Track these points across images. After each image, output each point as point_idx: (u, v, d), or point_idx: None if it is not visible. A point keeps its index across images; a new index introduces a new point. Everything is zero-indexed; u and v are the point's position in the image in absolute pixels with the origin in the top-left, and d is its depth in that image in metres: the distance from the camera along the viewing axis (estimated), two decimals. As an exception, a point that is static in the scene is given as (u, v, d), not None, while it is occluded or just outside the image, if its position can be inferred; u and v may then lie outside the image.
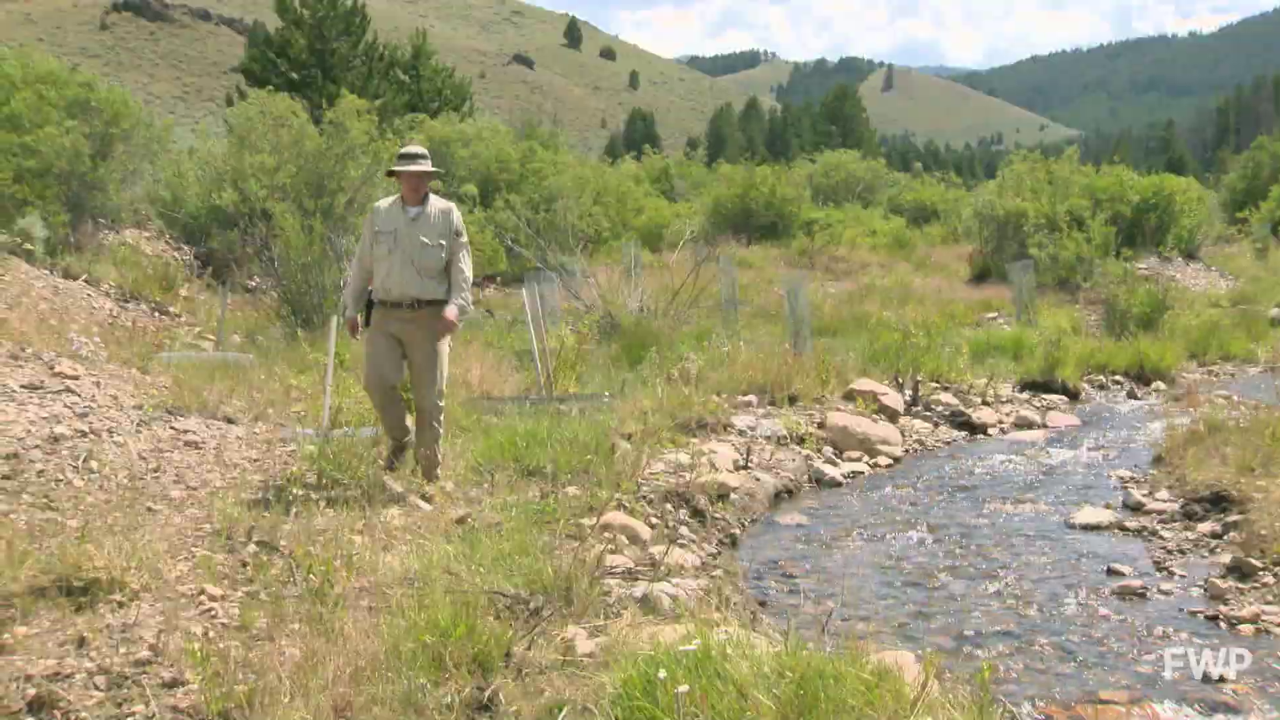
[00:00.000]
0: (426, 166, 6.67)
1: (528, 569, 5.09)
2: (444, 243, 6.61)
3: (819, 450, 9.78)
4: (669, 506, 7.33)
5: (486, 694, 3.92)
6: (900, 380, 12.08)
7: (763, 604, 6.08)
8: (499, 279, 23.76)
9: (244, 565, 5.14)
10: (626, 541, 6.36)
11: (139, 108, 17.76)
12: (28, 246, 13.18)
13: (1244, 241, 29.33)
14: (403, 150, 6.76)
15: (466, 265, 6.74)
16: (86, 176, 15.61)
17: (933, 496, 8.63)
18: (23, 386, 6.82)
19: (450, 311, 6.61)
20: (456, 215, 6.73)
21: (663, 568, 5.89)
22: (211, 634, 4.31)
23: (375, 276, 6.59)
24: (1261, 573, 6.23)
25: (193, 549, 5.23)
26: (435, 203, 6.71)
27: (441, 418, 6.82)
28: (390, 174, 6.84)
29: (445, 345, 6.74)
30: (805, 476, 9.17)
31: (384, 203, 6.78)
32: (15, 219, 13.86)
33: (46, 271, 12.49)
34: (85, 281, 12.87)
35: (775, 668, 3.73)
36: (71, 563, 4.61)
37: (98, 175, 15.82)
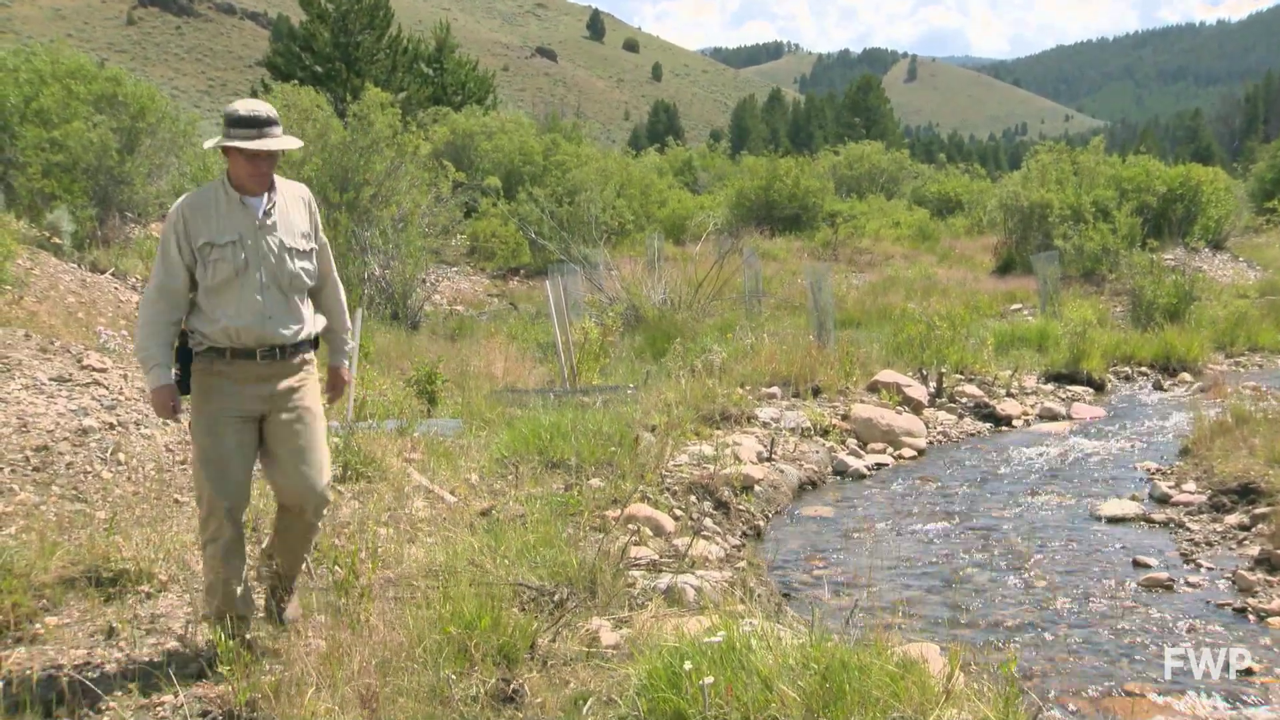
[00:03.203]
0: (282, 138, 4.21)
1: (552, 561, 5.10)
2: (313, 248, 4.41)
3: (843, 442, 9.76)
4: (693, 498, 7.33)
5: (512, 686, 3.94)
6: (924, 372, 12.03)
7: (787, 596, 6.07)
8: (522, 271, 23.80)
9: (270, 557, 5.17)
10: (650, 533, 6.36)
11: (165, 102, 17.84)
12: (56, 240, 13.28)
13: (1272, 232, 29.05)
14: (239, 110, 4.14)
15: (338, 281, 4.70)
16: (113, 171, 15.70)
17: (957, 488, 8.60)
18: (51, 379, 6.88)
19: (343, 367, 4.68)
20: (315, 203, 4.56)
21: (687, 559, 5.89)
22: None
23: (203, 317, 4.18)
24: (1290, 565, 6.19)
25: (220, 540, 5.26)
26: (286, 188, 4.37)
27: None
28: (225, 149, 4.16)
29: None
30: (829, 468, 9.16)
31: (196, 198, 4.23)
32: (44, 213, 13.97)
33: (74, 265, 12.58)
34: (112, 275, 12.96)
35: (800, 659, 3.73)
36: (100, 554, 4.65)
37: (124, 169, 15.91)
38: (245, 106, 4.17)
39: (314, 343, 4.45)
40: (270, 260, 4.22)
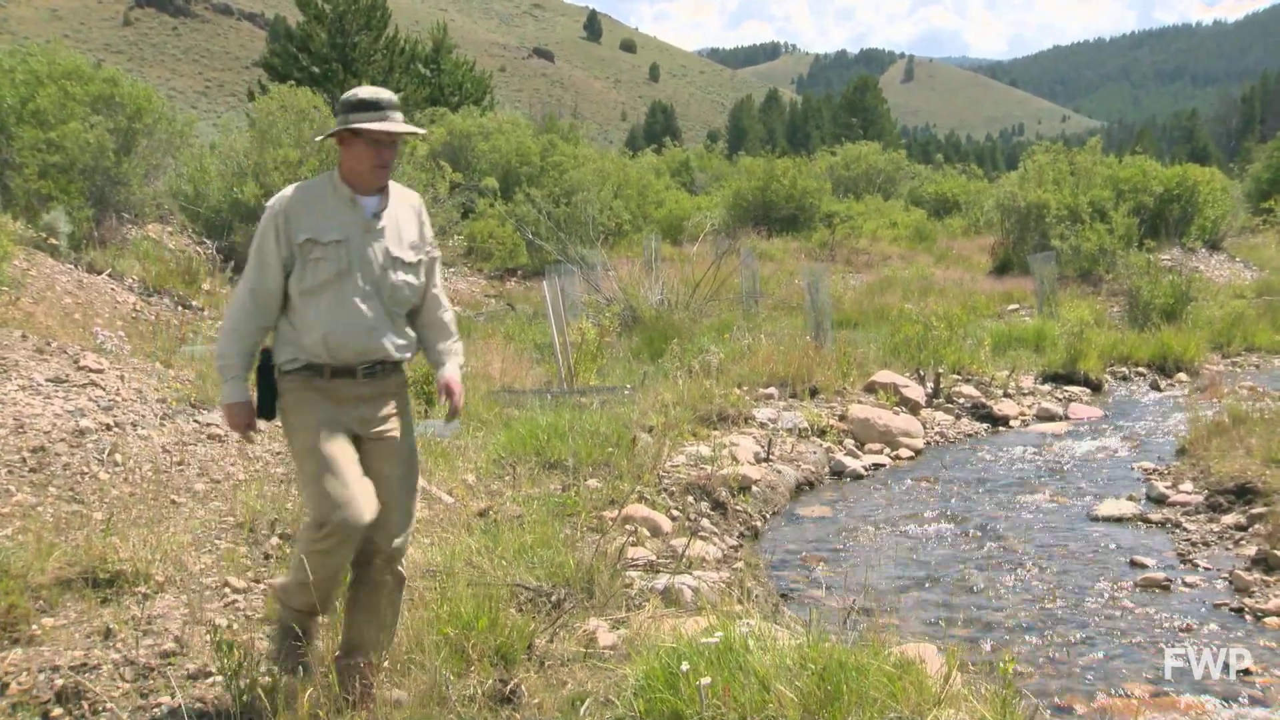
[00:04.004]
0: (403, 123, 3.87)
1: (549, 561, 5.10)
2: (421, 260, 3.98)
3: (840, 442, 9.77)
4: (690, 499, 7.33)
5: (509, 686, 3.94)
6: (922, 372, 12.04)
7: (784, 596, 6.08)
8: (520, 272, 23.80)
9: (267, 558, 5.17)
10: (648, 534, 6.37)
11: (162, 103, 17.83)
12: (53, 241, 13.27)
13: (1269, 232, 29.07)
14: (360, 94, 3.82)
15: (444, 300, 4.20)
16: (110, 172, 15.69)
17: (954, 489, 8.61)
18: (48, 380, 6.87)
19: (455, 378, 4.07)
20: (426, 212, 4.14)
21: (684, 560, 5.89)
22: (235, 626, 4.34)
23: (298, 325, 3.79)
24: (1287, 565, 6.20)
25: (216, 541, 5.27)
26: (398, 194, 4.00)
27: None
28: (339, 135, 3.81)
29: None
30: (826, 469, 9.16)
31: (301, 190, 3.88)
32: (40, 214, 13.95)
33: (71, 266, 12.57)
34: (109, 276, 12.95)
35: (797, 660, 3.73)
36: (97, 555, 4.65)
37: (121, 170, 15.90)
38: (366, 90, 3.85)
39: (400, 365, 4.01)
40: (374, 268, 3.82)
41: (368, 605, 3.93)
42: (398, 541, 3.90)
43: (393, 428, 3.92)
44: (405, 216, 3.97)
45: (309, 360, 3.77)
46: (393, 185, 3.97)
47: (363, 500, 3.67)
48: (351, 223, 3.82)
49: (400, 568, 3.97)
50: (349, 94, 3.83)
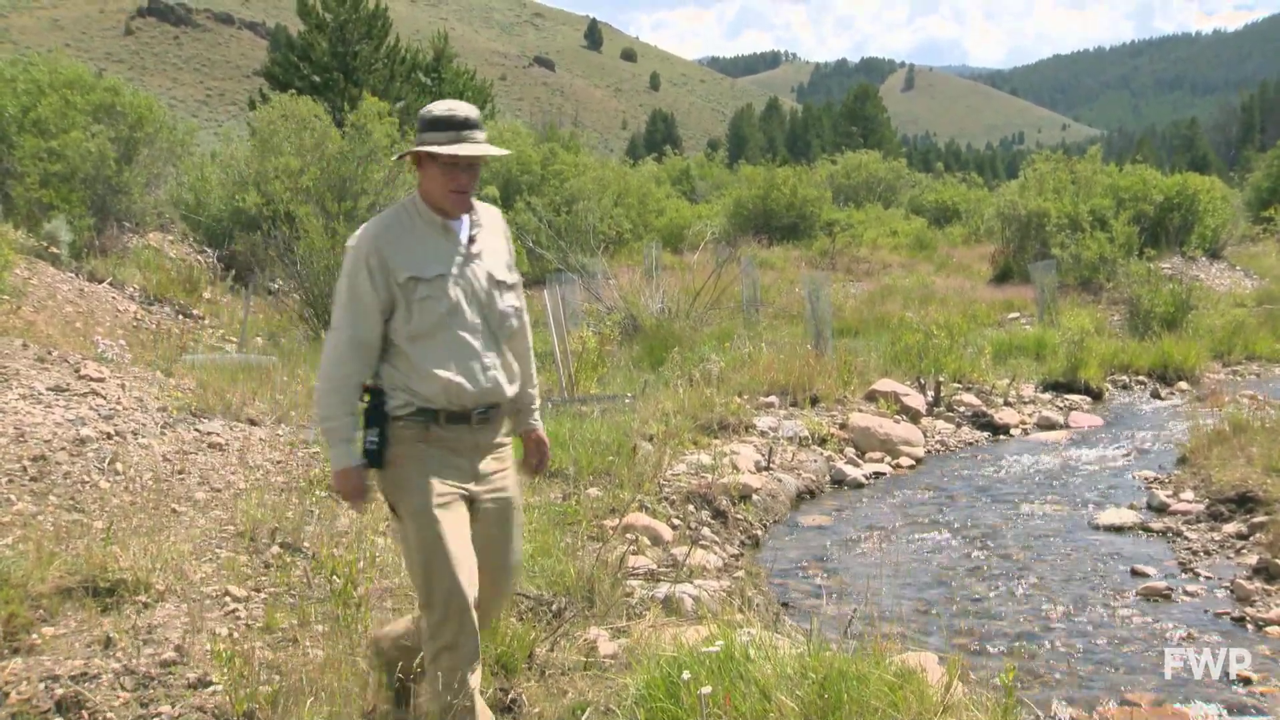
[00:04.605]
0: (484, 144, 3.45)
1: (550, 570, 5.10)
2: (518, 281, 3.70)
3: (841, 451, 9.76)
4: (691, 507, 7.33)
5: (510, 695, 3.93)
6: (922, 381, 12.04)
7: (785, 605, 6.07)
8: (521, 281, 23.80)
9: (267, 567, 5.17)
10: (648, 543, 6.36)
11: (163, 112, 17.90)
12: (54, 250, 13.30)
13: (1269, 240, 29.09)
14: (435, 110, 3.44)
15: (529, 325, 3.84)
16: (111, 180, 15.74)
17: (955, 497, 8.60)
18: (49, 389, 6.87)
19: (540, 428, 3.86)
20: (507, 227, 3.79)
21: (685, 569, 5.89)
22: (236, 635, 4.33)
23: (412, 371, 3.41)
24: (1288, 574, 6.19)
25: (217, 550, 5.26)
26: (482, 210, 3.62)
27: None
28: (416, 155, 3.44)
29: None
30: (827, 477, 9.16)
31: (386, 223, 3.48)
32: (42, 223, 13.99)
33: (72, 275, 12.59)
34: (110, 284, 12.96)
35: (798, 669, 3.73)
36: (98, 564, 4.65)
37: (122, 179, 15.94)
38: (441, 106, 3.45)
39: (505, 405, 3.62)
40: (480, 297, 3.47)
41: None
42: (497, 606, 3.65)
43: (507, 484, 3.60)
44: (494, 234, 3.63)
45: (422, 405, 3.40)
46: (474, 202, 3.58)
47: (469, 580, 3.36)
48: (448, 251, 3.45)
49: (496, 616, 3.75)
50: (424, 110, 3.44)
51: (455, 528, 3.36)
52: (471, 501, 3.47)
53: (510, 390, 3.54)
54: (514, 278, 3.63)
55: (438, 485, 3.37)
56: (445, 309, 3.39)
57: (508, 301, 3.57)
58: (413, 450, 3.40)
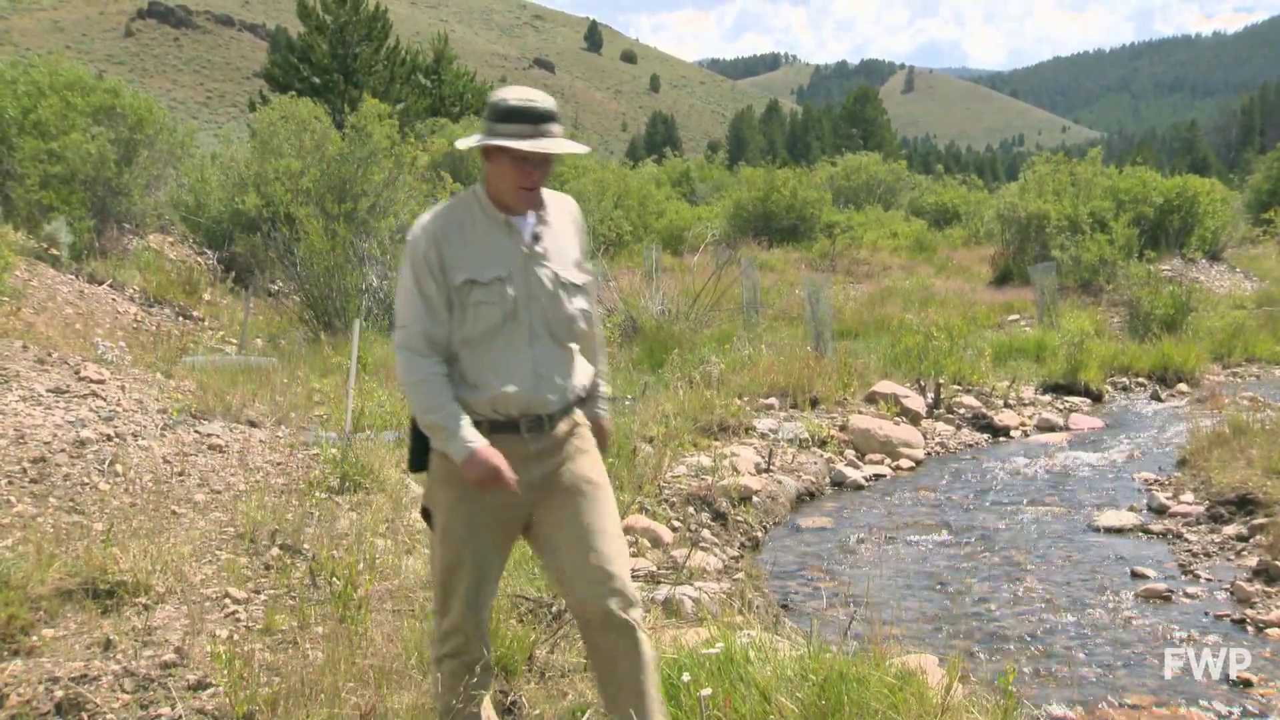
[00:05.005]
0: (563, 140, 3.18)
1: (550, 572, 5.09)
2: (590, 280, 3.43)
3: (841, 453, 9.76)
4: (691, 509, 7.33)
5: (509, 697, 3.93)
6: (922, 383, 12.04)
7: (785, 607, 6.07)
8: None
9: (267, 568, 5.17)
10: (649, 544, 6.36)
11: (163, 113, 17.90)
12: (54, 252, 13.30)
13: (1269, 243, 29.10)
14: (509, 99, 3.12)
15: (599, 319, 3.65)
16: (111, 182, 15.73)
17: (955, 499, 8.60)
18: (49, 391, 6.87)
19: (609, 422, 3.66)
20: (582, 219, 3.51)
21: (685, 571, 5.89)
22: (236, 637, 4.33)
23: (461, 380, 3.21)
24: (1288, 576, 6.19)
25: (217, 552, 5.26)
26: (553, 202, 3.37)
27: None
28: (487, 151, 3.16)
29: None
30: (827, 479, 9.16)
31: (444, 217, 3.23)
32: (42, 224, 13.99)
33: (72, 276, 12.59)
34: (110, 286, 12.96)
35: (798, 671, 3.73)
36: (97, 566, 4.65)
37: (122, 181, 15.94)
38: (517, 95, 3.14)
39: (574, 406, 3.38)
40: (542, 300, 3.21)
41: (604, 683, 3.30)
42: (612, 603, 3.16)
43: (572, 468, 3.30)
44: (565, 229, 3.34)
45: (469, 416, 3.17)
46: (544, 192, 3.32)
47: (484, 603, 3.31)
48: (510, 251, 3.20)
49: (630, 621, 3.18)
50: (497, 97, 3.15)
51: (483, 551, 3.25)
52: (535, 503, 3.26)
53: (568, 398, 3.30)
54: (584, 277, 3.35)
55: (474, 510, 3.21)
56: (501, 314, 3.15)
57: (576, 304, 3.29)
58: (451, 469, 3.18)
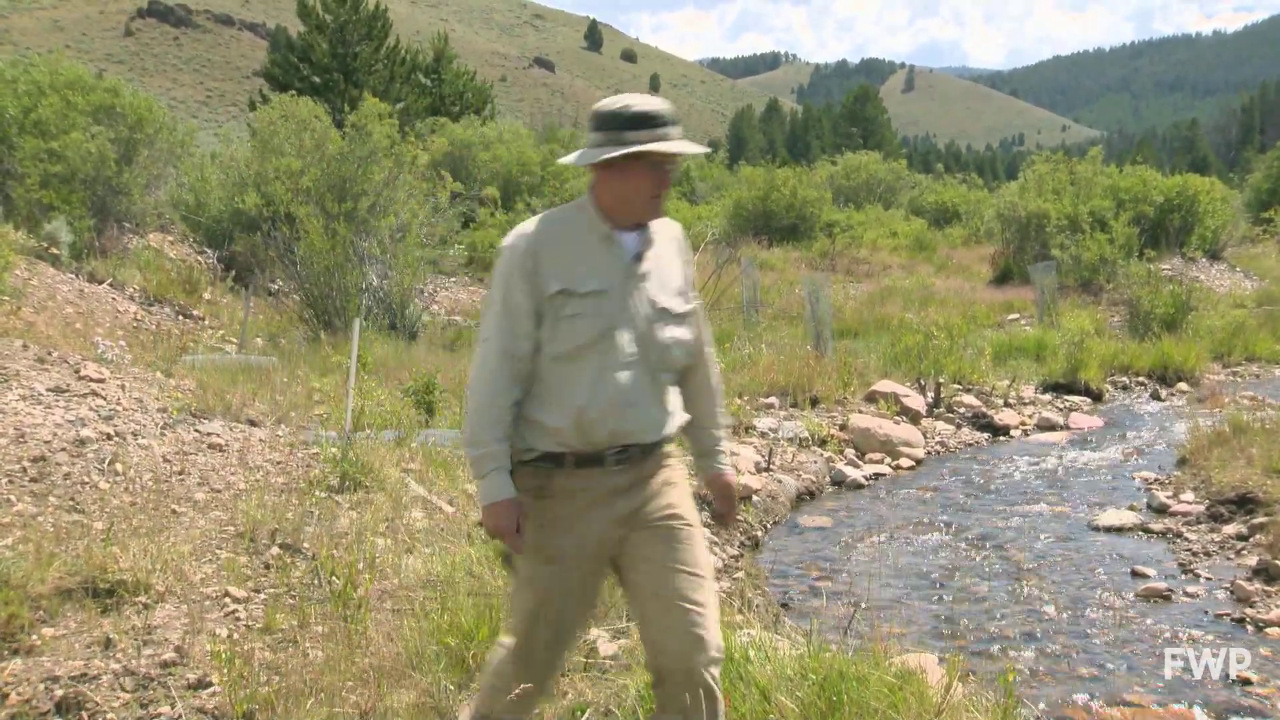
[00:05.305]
0: (683, 142, 3.01)
1: (550, 571, 5.08)
2: (692, 310, 3.17)
3: (841, 452, 9.76)
4: (691, 509, 7.32)
5: (509, 696, 3.93)
6: (922, 382, 12.04)
7: (785, 606, 6.07)
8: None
9: (267, 568, 5.17)
10: (648, 544, 6.35)
11: (163, 113, 17.90)
12: (54, 251, 13.31)
13: (1269, 242, 29.11)
14: (635, 105, 2.97)
15: (714, 358, 3.38)
16: (111, 181, 15.73)
17: (955, 498, 8.60)
18: (49, 390, 6.87)
19: (732, 477, 3.39)
20: (688, 245, 3.28)
21: (685, 570, 5.88)
22: (236, 636, 4.33)
23: (543, 402, 3.00)
24: (1288, 575, 6.19)
25: (217, 551, 5.26)
26: (660, 226, 3.14)
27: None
28: (606, 161, 2.96)
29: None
30: (827, 478, 9.16)
31: (550, 224, 3.06)
32: (42, 224, 13.99)
33: (72, 275, 12.59)
34: (110, 285, 12.96)
35: (798, 670, 3.73)
36: (97, 565, 4.65)
37: (122, 180, 15.94)
38: (642, 100, 2.99)
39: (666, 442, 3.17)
40: (639, 323, 2.99)
41: None
42: (697, 661, 2.96)
43: (663, 506, 3.12)
44: (668, 254, 3.14)
45: (548, 449, 2.99)
46: None
47: (566, 651, 3.15)
48: (611, 267, 2.99)
49: (712, 683, 2.98)
50: (617, 106, 2.98)
51: (570, 594, 3.03)
52: (623, 540, 3.05)
53: (661, 432, 3.07)
54: (685, 306, 3.11)
55: (561, 549, 3.01)
56: (596, 331, 2.94)
57: (671, 333, 3.05)
58: (536, 508, 3.01)
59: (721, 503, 3.35)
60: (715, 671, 3.00)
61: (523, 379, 2.98)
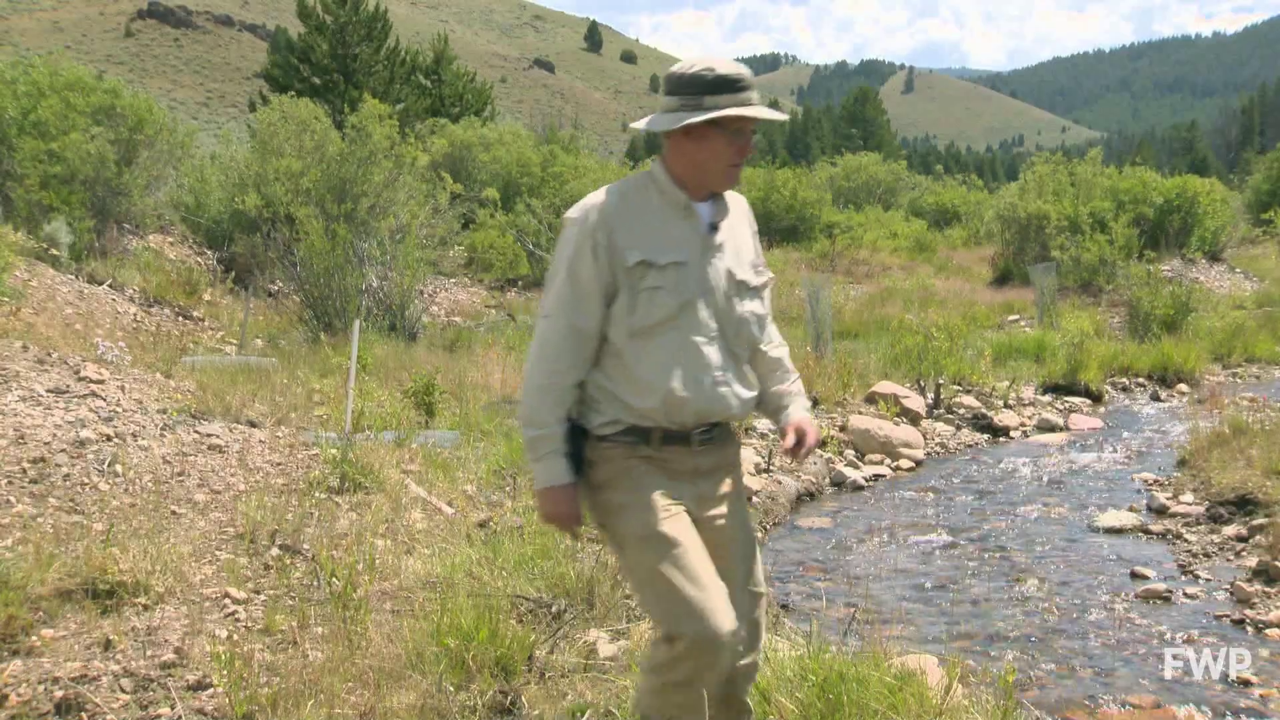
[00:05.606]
0: (765, 107, 2.95)
1: (550, 572, 5.09)
2: (764, 283, 3.08)
3: (840, 453, 9.76)
4: (690, 510, 7.32)
5: (509, 697, 3.93)
6: (922, 383, 12.04)
7: (785, 607, 6.07)
8: (520, 283, 23.81)
9: (267, 569, 5.17)
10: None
11: (163, 114, 17.90)
12: (54, 252, 13.30)
13: (1269, 243, 29.10)
14: (717, 69, 2.85)
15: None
16: (111, 182, 15.73)
17: (955, 499, 8.60)
18: (49, 391, 6.87)
19: (808, 420, 3.10)
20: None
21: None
22: (235, 637, 4.33)
23: (627, 379, 2.87)
24: (1288, 576, 6.19)
25: (216, 552, 5.26)
26: (730, 198, 3.07)
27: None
28: (684, 129, 2.84)
29: None
30: (827, 479, 9.16)
31: (622, 194, 2.92)
32: (41, 225, 13.99)
33: (72, 277, 12.59)
34: (110, 286, 12.96)
35: (798, 671, 3.73)
36: (97, 566, 4.65)
37: (122, 181, 15.94)
38: (724, 63, 2.86)
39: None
40: (718, 295, 2.90)
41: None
42: (744, 661, 2.98)
43: (730, 511, 3.01)
44: (740, 225, 3.07)
45: (634, 423, 2.87)
46: None
47: (724, 606, 2.76)
48: (689, 238, 2.90)
49: (745, 698, 3.03)
50: (698, 69, 2.84)
51: (690, 547, 2.79)
52: (696, 521, 2.92)
53: (742, 406, 2.97)
54: (759, 279, 3.03)
55: (661, 500, 2.83)
56: (676, 304, 2.83)
57: (747, 307, 2.97)
58: (623, 467, 2.87)
59: (792, 437, 3.03)
60: (750, 690, 3.06)
61: (587, 357, 2.87)
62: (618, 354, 2.86)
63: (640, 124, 2.97)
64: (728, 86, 2.81)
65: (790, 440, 3.03)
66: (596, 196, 2.90)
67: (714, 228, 2.93)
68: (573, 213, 2.90)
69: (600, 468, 2.89)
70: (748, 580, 3.02)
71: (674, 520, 2.81)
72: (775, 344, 3.15)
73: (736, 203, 3.08)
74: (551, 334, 2.86)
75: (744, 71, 2.85)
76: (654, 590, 2.80)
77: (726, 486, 3.02)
